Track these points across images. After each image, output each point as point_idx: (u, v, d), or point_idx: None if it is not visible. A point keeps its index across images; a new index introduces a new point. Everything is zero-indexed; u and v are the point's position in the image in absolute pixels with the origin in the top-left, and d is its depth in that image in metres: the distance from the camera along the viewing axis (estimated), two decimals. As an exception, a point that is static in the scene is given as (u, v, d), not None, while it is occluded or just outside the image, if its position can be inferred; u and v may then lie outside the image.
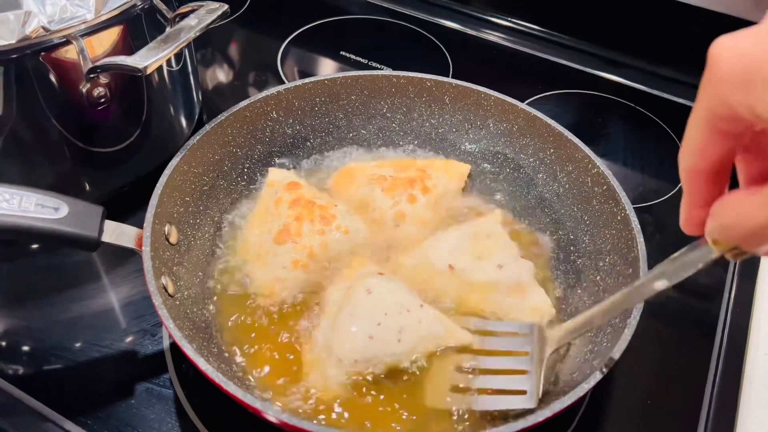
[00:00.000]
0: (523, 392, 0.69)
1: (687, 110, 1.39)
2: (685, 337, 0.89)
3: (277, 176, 0.94)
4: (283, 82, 1.25)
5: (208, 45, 1.34)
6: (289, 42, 1.35)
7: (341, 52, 1.33)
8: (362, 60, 1.31)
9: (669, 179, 1.11)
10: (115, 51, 0.83)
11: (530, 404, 0.67)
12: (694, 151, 0.45)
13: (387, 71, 0.99)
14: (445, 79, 0.97)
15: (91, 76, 0.80)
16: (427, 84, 0.98)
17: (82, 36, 0.78)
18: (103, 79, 0.83)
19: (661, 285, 0.58)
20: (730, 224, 0.44)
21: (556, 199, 0.92)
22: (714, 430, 0.77)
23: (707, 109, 0.42)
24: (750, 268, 0.97)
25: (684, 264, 0.54)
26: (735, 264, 0.98)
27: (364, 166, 0.97)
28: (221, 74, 1.30)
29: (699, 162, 0.45)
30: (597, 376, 0.64)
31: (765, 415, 0.80)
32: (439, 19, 1.43)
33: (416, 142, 1.02)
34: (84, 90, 0.82)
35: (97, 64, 0.79)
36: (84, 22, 0.77)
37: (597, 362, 0.68)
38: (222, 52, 1.35)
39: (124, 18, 0.82)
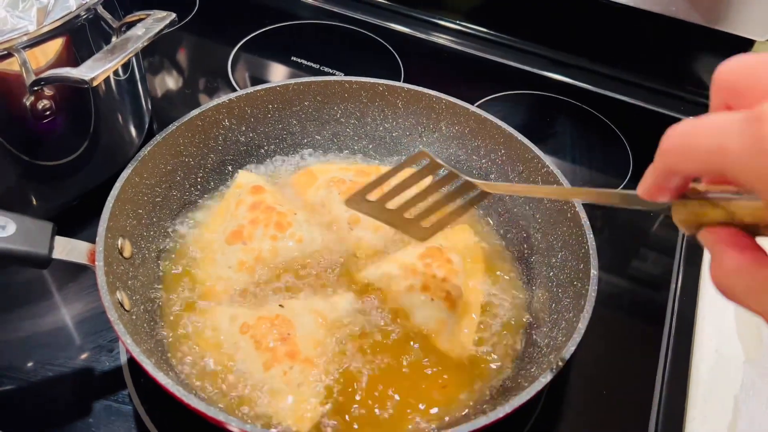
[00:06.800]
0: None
1: (629, 107, 1.43)
2: (634, 326, 0.93)
3: (245, 179, 0.94)
4: (234, 89, 1.24)
5: (156, 52, 1.32)
6: (239, 48, 1.34)
7: (293, 58, 1.33)
8: (314, 65, 1.31)
9: (615, 174, 1.14)
10: (60, 62, 0.81)
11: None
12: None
13: (339, 76, 0.99)
14: (397, 83, 0.99)
15: (35, 88, 0.78)
16: (380, 89, 0.99)
17: (24, 48, 0.75)
18: (48, 91, 0.81)
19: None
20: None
21: (509, 198, 0.94)
22: (666, 415, 0.81)
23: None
24: (694, 257, 1.01)
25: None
26: (681, 253, 1.02)
27: (327, 168, 0.98)
28: (170, 81, 1.28)
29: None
30: (554, 370, 0.66)
31: (713, 399, 0.83)
32: (388, 23, 1.44)
33: (371, 147, 1.03)
34: (28, 103, 0.79)
35: (41, 76, 0.77)
36: (26, 34, 0.75)
37: (553, 356, 0.70)
38: (171, 59, 1.33)
39: (67, 29, 0.80)
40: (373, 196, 0.74)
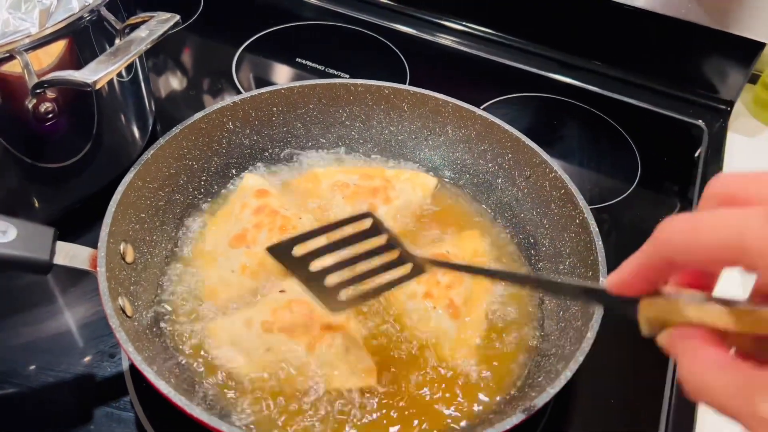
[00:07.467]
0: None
1: (638, 111, 1.41)
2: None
3: (250, 182, 0.93)
4: (239, 91, 1.23)
5: (160, 53, 1.31)
6: (243, 49, 1.33)
7: (297, 59, 1.32)
8: (319, 66, 1.30)
9: (623, 179, 1.13)
10: (63, 64, 0.80)
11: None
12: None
13: (344, 79, 0.98)
14: (403, 86, 0.97)
15: (38, 91, 0.77)
16: (385, 92, 0.98)
17: (26, 50, 0.75)
18: (51, 94, 0.80)
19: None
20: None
21: (516, 204, 0.93)
22: (675, 423, 0.79)
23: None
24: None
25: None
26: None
27: (331, 171, 0.97)
28: (175, 83, 1.27)
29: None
30: (562, 380, 0.65)
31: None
32: (393, 24, 1.43)
33: (376, 150, 1.02)
34: (30, 105, 0.79)
35: (44, 78, 0.76)
36: (28, 36, 0.74)
37: (561, 365, 0.69)
38: (175, 60, 1.32)
39: (70, 31, 0.79)
40: (299, 250, 0.62)
